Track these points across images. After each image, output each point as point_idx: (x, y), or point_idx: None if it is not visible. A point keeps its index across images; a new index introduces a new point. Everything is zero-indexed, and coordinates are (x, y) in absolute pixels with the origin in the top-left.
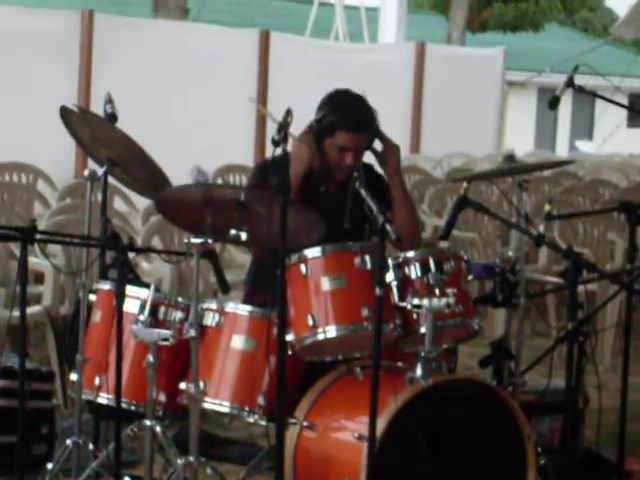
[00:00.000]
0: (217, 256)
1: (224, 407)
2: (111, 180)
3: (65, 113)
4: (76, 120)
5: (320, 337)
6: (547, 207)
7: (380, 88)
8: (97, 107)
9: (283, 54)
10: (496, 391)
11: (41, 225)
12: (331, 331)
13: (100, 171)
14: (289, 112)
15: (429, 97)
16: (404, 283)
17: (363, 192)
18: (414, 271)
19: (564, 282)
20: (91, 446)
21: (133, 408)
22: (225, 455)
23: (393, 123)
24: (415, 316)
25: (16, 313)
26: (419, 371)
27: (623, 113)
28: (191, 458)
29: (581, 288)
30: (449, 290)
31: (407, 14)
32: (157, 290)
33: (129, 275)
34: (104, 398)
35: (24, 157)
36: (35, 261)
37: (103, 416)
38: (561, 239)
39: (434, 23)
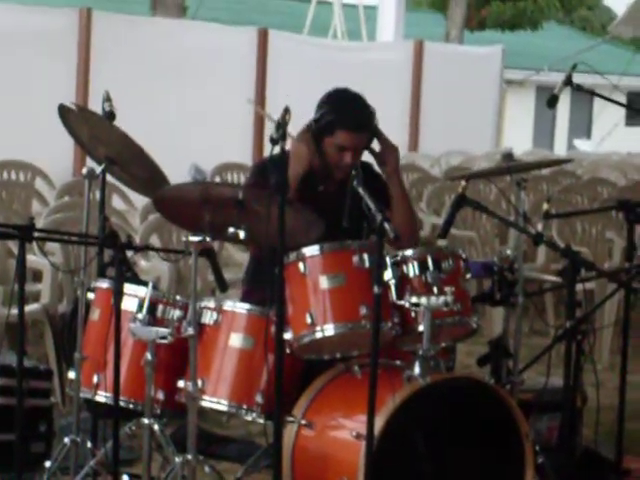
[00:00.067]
0: (215, 254)
1: (222, 405)
2: (109, 178)
3: (63, 111)
4: (74, 118)
5: (318, 335)
6: (545, 206)
7: (378, 86)
8: (95, 105)
9: (281, 52)
10: (494, 389)
11: (39, 223)
12: (329, 329)
13: (98, 169)
14: (287, 110)
15: (427, 95)
16: (402, 281)
17: (361, 191)
18: (412, 269)
19: (562, 281)
20: (89, 444)
21: (131, 406)
22: (223, 453)
23: (391, 121)
24: (413, 314)
25: (14, 311)
26: (417, 369)
27: (621, 111)
28: (189, 456)
29: (579, 287)
30: (447, 288)
31: (405, 12)
32: (155, 288)
33: (127, 273)
34: (102, 396)
35: (22, 155)
36: (33, 259)
37: (101, 414)
38: (559, 238)
39: (432, 21)
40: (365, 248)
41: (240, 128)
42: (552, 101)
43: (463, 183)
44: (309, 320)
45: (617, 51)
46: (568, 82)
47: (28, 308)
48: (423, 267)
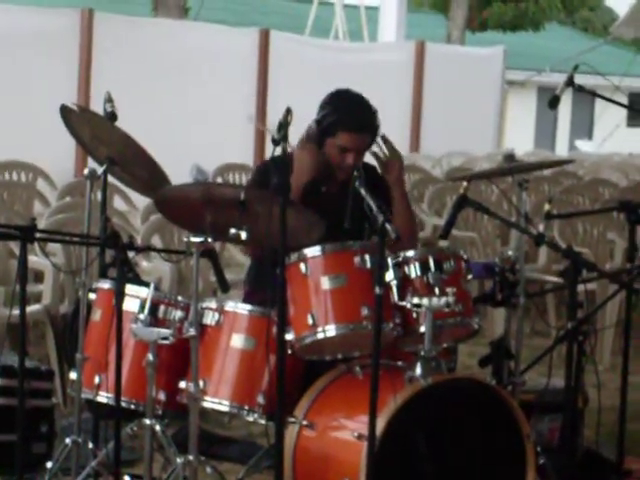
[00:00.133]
0: (217, 255)
1: (224, 406)
2: (111, 179)
3: (65, 112)
4: (76, 119)
5: (320, 336)
6: (547, 206)
7: (380, 87)
8: (97, 106)
9: (283, 53)
10: (496, 390)
11: (41, 224)
12: (331, 330)
13: (100, 170)
14: (289, 111)
15: (429, 96)
16: (404, 282)
17: (363, 191)
18: (414, 270)
19: (564, 281)
20: (91, 445)
21: (133, 407)
22: (225, 454)
23: (393, 122)
24: (415, 315)
25: (16, 312)
26: (418, 370)
27: (623, 112)
28: (191, 457)
29: (581, 287)
30: (449, 289)
31: (407, 13)
32: (157, 289)
33: (129, 274)
34: (104, 397)
35: (24, 156)
36: (35, 260)
37: (103, 415)
38: (561, 238)
39: (434, 22)
40: (366, 249)
41: (242, 129)
42: (554, 102)
43: (464, 184)
44: (310, 321)
45: (619, 52)
46: (570, 83)
47: (29, 309)
48: (425, 268)
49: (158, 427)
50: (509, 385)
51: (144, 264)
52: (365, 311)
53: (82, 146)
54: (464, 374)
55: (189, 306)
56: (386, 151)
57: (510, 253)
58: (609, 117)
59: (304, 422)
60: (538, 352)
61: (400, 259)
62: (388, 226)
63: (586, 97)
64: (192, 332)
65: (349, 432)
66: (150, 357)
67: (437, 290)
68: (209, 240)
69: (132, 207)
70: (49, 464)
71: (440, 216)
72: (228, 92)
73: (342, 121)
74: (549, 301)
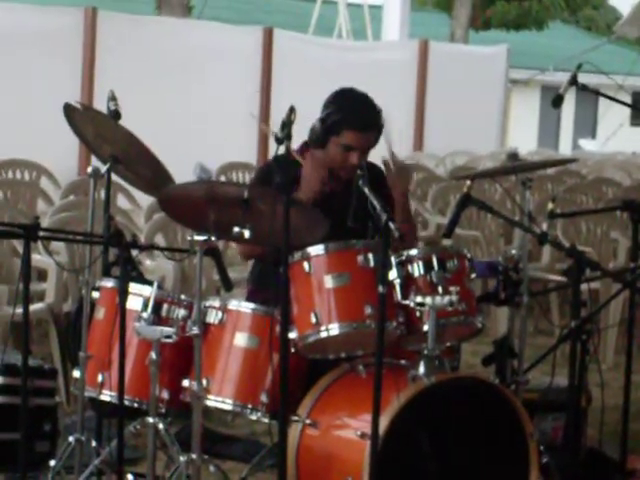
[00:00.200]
0: (220, 253)
1: (227, 404)
2: (114, 177)
3: (68, 110)
4: (79, 117)
5: (323, 335)
6: (550, 205)
7: (383, 86)
8: (100, 104)
9: (286, 52)
10: (499, 389)
11: (44, 222)
12: (334, 329)
13: (103, 168)
14: (292, 109)
15: (432, 95)
16: (407, 281)
17: (366, 190)
18: (417, 269)
19: (567, 280)
20: (94, 443)
21: (136, 405)
22: (228, 452)
23: (396, 121)
24: (418, 314)
25: (19, 310)
26: (422, 369)
27: (626, 111)
28: (194, 455)
29: (584, 286)
30: (452, 288)
31: (410, 12)
32: (160, 287)
33: (132, 272)
34: (107, 395)
35: (27, 154)
36: (38, 258)
37: (106, 413)
38: (564, 237)
39: (437, 21)
40: (370, 247)
41: (245, 127)
42: (557, 101)
43: (468, 183)
44: (314, 319)
45: (622, 51)
46: (573, 82)
47: (33, 307)
48: (428, 267)
49: (161, 425)
50: (512, 384)
51: (147, 262)
52: (368, 310)
53: (85, 144)
54: (467, 373)
55: (192, 305)
56: (392, 167)
57: (513, 252)
58: (613, 116)
59: (307, 421)
60: (541, 351)
61: (403, 258)
62: (391, 225)
63: (590, 96)
64: (195, 331)
65: (352, 431)
66: (153, 355)
67: (440, 289)
68: (212, 239)
69: (136, 206)
70: (52, 462)
71: (443, 215)
72: (232, 90)
73: (346, 120)
74: (552, 300)
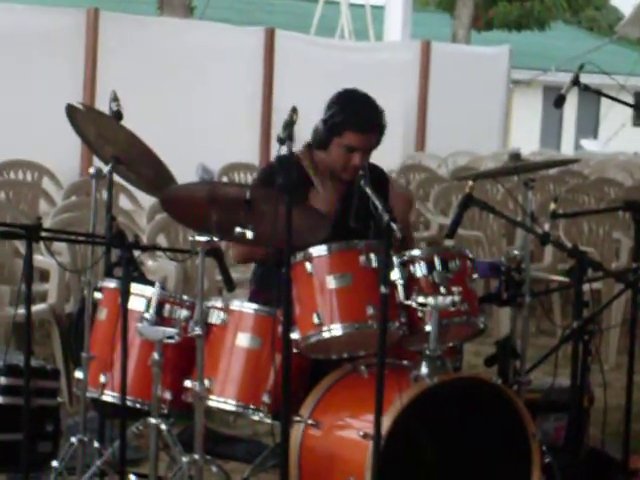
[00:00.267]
0: (222, 254)
1: (229, 405)
2: (116, 178)
3: (70, 111)
4: (81, 118)
5: (325, 335)
6: (552, 206)
7: (385, 86)
8: (102, 105)
9: (288, 52)
10: (501, 390)
11: (46, 223)
12: (336, 329)
13: (105, 169)
14: (294, 110)
15: (434, 95)
16: (409, 281)
17: (368, 190)
18: (419, 269)
19: (569, 281)
20: (96, 444)
21: (138, 406)
22: (230, 453)
23: (398, 122)
24: (420, 314)
25: (21, 311)
26: (424, 369)
27: (628, 112)
28: (196, 456)
29: (586, 287)
30: (454, 288)
31: (412, 12)
32: (162, 288)
33: (134, 273)
34: (109, 396)
35: (29, 155)
36: (40, 259)
37: (108, 414)
38: (566, 238)
39: (439, 21)
40: (372, 248)
41: (247, 128)
42: (559, 101)
43: (470, 183)
44: (316, 320)
45: (624, 51)
46: (575, 82)
47: (35, 308)
48: (430, 267)
49: (164, 426)
50: (515, 384)
51: (150, 263)
52: (371, 310)
53: (88, 145)
54: (470, 373)
55: (195, 305)
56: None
57: (516, 252)
58: (615, 116)
59: (310, 421)
60: (544, 351)
61: (406, 258)
62: (393, 225)
63: (592, 96)
64: (198, 331)
65: (355, 431)
66: (156, 356)
67: (443, 289)
68: (214, 239)
69: (138, 206)
70: (55, 463)
71: (446, 215)
72: (233, 91)
73: (349, 121)
74: (555, 300)
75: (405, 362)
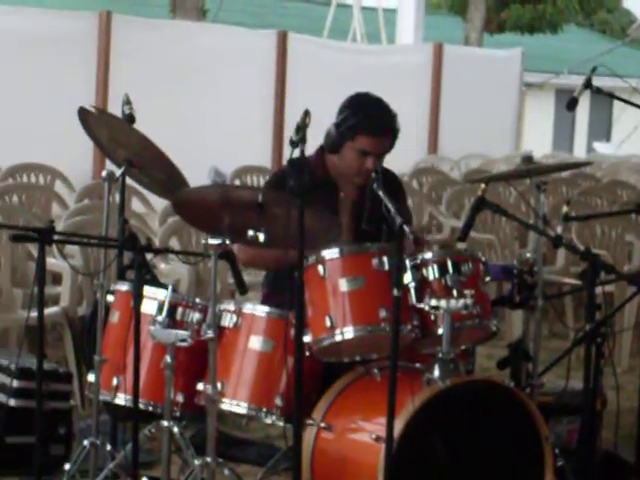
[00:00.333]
0: (235, 257)
1: (242, 408)
2: (129, 181)
3: (83, 114)
4: (94, 121)
5: (338, 338)
6: (565, 208)
7: (398, 90)
8: (115, 108)
9: (301, 55)
10: (514, 393)
11: (59, 226)
12: (349, 332)
13: (118, 172)
14: (307, 113)
15: (447, 98)
16: (422, 284)
17: (381, 193)
18: (432, 272)
19: (582, 283)
20: (109, 447)
21: (151, 409)
22: (242, 456)
23: (411, 124)
24: (433, 317)
25: (34, 314)
26: (437, 372)
27: None
28: (208, 459)
29: (599, 289)
30: (467, 291)
31: (425, 15)
32: (175, 291)
33: (147, 276)
34: (122, 399)
35: (42, 158)
36: (53, 262)
37: (121, 417)
38: (579, 240)
39: (451, 24)
40: (384, 251)
41: (259, 131)
42: (572, 104)
43: (483, 186)
44: (329, 323)
45: (637, 54)
46: (588, 85)
47: (48, 311)
48: (443, 270)
49: (176, 429)
50: (527, 387)
51: (162, 266)
52: (383, 313)
53: (100, 148)
54: (482, 376)
55: (207, 308)
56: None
57: (528, 255)
58: (627, 119)
59: (322, 424)
60: (556, 354)
61: (418, 261)
62: (406, 228)
63: (604, 99)
64: (210, 334)
65: (367, 434)
66: (168, 359)
67: (455, 292)
68: (227, 242)
69: (150, 209)
70: (67, 466)
71: (458, 218)
72: (246, 94)
73: (362, 125)
74: (567, 303)
75: (418, 365)
